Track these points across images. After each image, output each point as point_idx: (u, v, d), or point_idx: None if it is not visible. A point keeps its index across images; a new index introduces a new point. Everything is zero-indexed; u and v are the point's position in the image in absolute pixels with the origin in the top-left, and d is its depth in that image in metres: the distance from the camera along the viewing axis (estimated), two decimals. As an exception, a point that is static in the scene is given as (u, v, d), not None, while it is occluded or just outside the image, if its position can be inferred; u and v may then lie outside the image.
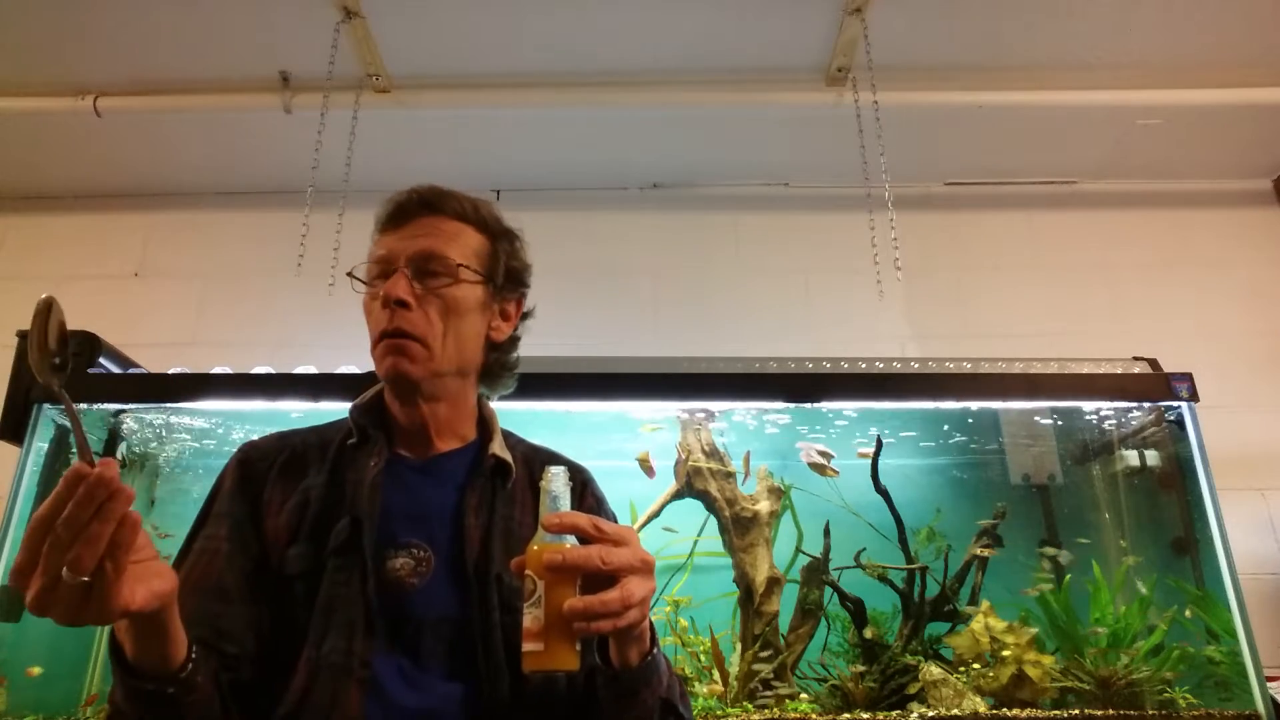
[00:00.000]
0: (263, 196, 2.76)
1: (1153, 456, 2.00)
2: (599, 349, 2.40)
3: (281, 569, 0.88)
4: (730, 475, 1.99)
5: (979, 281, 2.67)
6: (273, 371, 1.92)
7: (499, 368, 1.05)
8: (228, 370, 1.92)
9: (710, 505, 1.97)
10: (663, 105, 2.39)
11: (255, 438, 1.00)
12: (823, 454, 2.00)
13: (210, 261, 2.70)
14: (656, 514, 1.98)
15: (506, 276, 1.03)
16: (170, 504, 2.11)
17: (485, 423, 1.03)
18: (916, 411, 2.01)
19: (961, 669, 1.73)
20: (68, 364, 0.68)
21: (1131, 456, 2.02)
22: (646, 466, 2.01)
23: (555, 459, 1.05)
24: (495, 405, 1.08)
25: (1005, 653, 1.70)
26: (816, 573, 1.90)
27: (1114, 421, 2.07)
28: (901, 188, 2.53)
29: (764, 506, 1.95)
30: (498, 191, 2.77)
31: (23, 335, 1.86)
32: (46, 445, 1.86)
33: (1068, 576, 1.89)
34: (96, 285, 2.66)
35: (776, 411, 2.00)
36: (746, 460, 2.01)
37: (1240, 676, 1.66)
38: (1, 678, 1.78)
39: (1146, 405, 1.95)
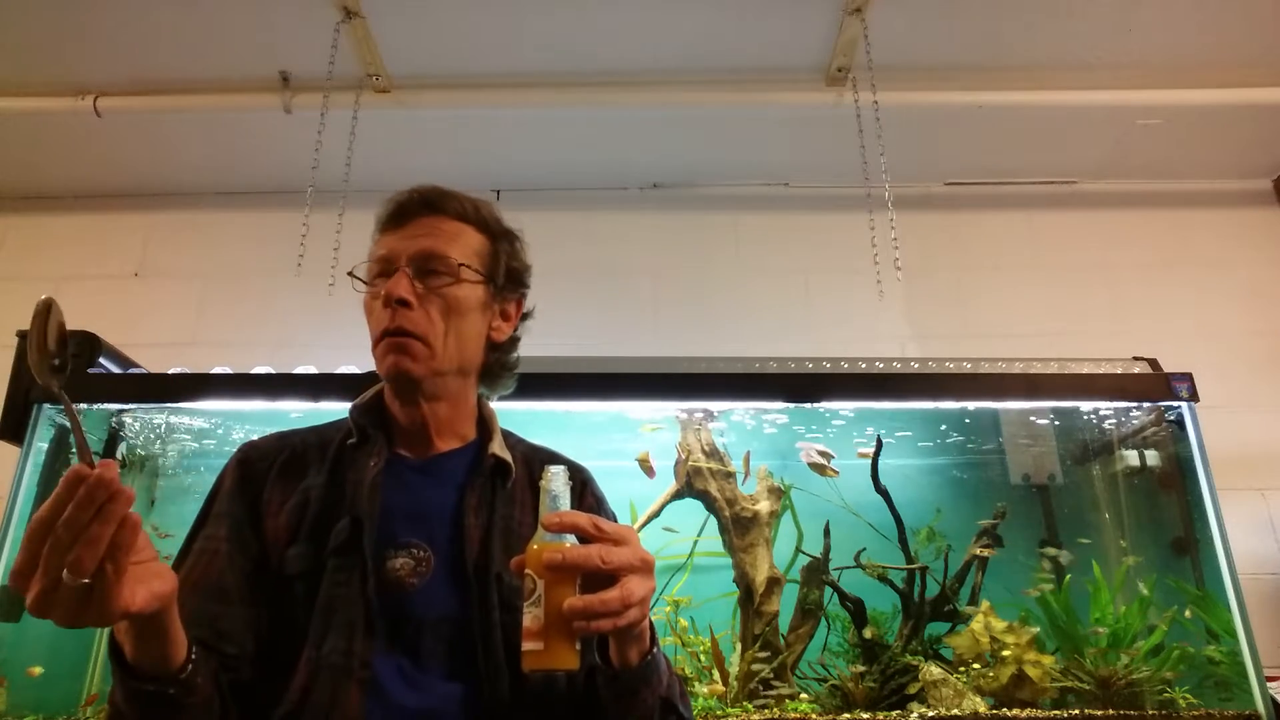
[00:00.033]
0: (263, 196, 2.76)
1: (1153, 456, 2.00)
2: (599, 349, 2.40)
3: (281, 569, 0.88)
4: (730, 475, 1.99)
5: (979, 281, 2.67)
6: (273, 371, 1.92)
7: (499, 368, 1.05)
8: (228, 370, 1.92)
9: (710, 505, 1.97)
10: (663, 105, 2.39)
11: (255, 438, 1.00)
12: (823, 454, 2.00)
13: (210, 261, 2.70)
14: (656, 514, 1.98)
15: (507, 277, 1.03)
16: (170, 504, 2.11)
17: (485, 422, 1.03)
18: (916, 411, 2.01)
19: (961, 669, 1.73)
20: (67, 365, 0.68)
21: (1131, 456, 2.02)
22: (646, 466, 2.01)
23: (555, 458, 1.05)
24: (495, 405, 1.08)
25: (1005, 653, 1.70)
26: (816, 573, 1.90)
27: (1114, 421, 2.07)
28: (901, 188, 2.53)
29: (764, 506, 1.95)
30: (498, 191, 2.77)
31: (23, 335, 1.86)
32: (46, 445, 1.86)
33: (1068, 576, 1.89)
34: (96, 285, 2.66)
35: (776, 411, 2.00)
36: (746, 460, 2.01)
37: (1240, 676, 1.66)
38: (1, 678, 1.78)
39: (1146, 405, 1.95)
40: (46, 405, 1.81)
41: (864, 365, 1.95)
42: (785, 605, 1.88)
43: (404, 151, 2.61)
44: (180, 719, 0.74)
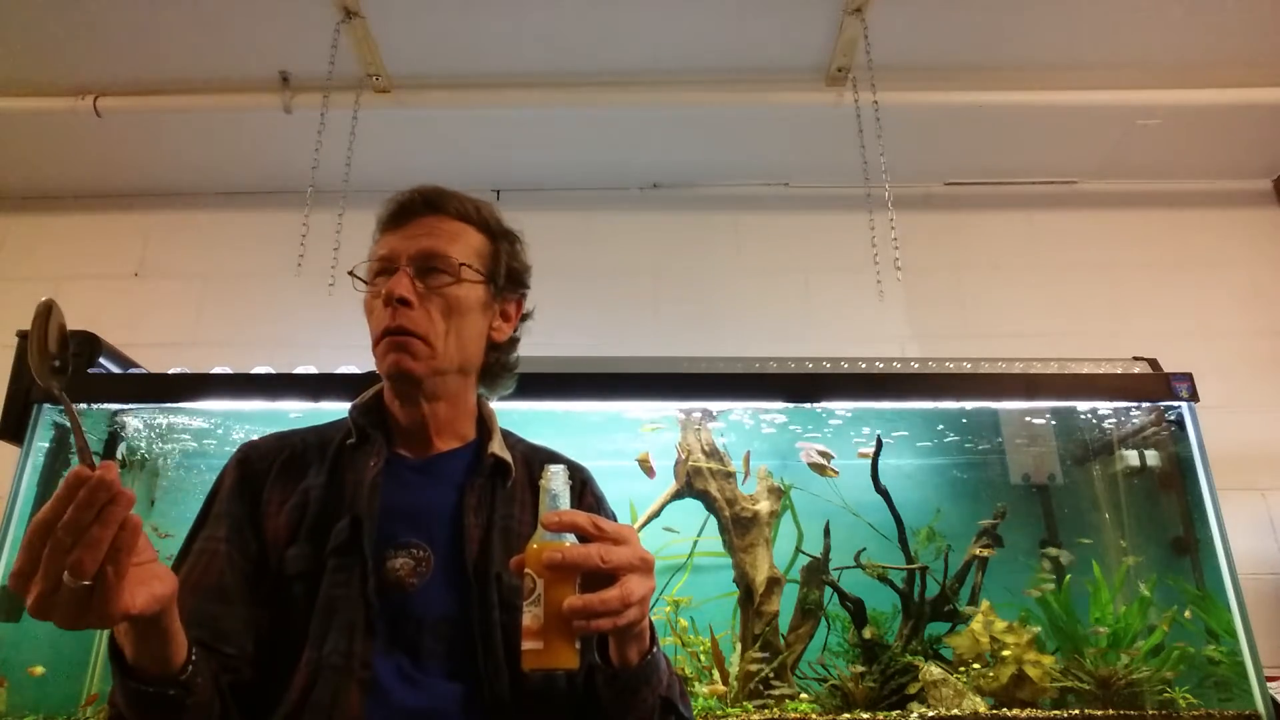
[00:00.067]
0: (263, 196, 2.76)
1: (1153, 456, 2.00)
2: (599, 349, 2.40)
3: (281, 569, 0.88)
4: (730, 475, 1.99)
5: (979, 281, 2.67)
6: (273, 371, 1.92)
7: (499, 368, 1.05)
8: (228, 370, 1.92)
9: (710, 505, 1.97)
10: (663, 105, 2.39)
11: (255, 438, 1.00)
12: (823, 454, 2.00)
13: (210, 261, 2.70)
14: (656, 514, 1.98)
15: (507, 277, 1.03)
16: (170, 504, 2.11)
17: (485, 422, 1.04)
18: (916, 411, 2.01)
19: (961, 669, 1.73)
20: (68, 367, 0.68)
21: (1131, 456, 2.02)
22: (646, 467, 2.01)
23: (555, 458, 1.05)
24: (495, 405, 1.08)
25: (1005, 653, 1.70)
26: (816, 573, 1.90)
27: (1114, 421, 2.07)
28: (901, 188, 2.53)
29: (764, 506, 1.95)
30: (498, 191, 2.77)
31: (23, 335, 1.86)
32: (46, 445, 1.86)
33: (1068, 576, 1.89)
34: (96, 285, 2.66)
35: (776, 411, 2.00)
36: (746, 460, 2.01)
37: (1240, 676, 1.66)
38: (2, 678, 1.78)
39: (1146, 405, 1.95)
40: (46, 405, 1.81)
41: (864, 365, 1.95)
42: (785, 605, 1.88)
43: (404, 151, 2.61)
44: None
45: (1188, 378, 1.85)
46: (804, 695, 1.76)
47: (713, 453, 2.00)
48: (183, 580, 0.84)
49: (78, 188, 2.77)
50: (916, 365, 1.97)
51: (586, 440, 2.08)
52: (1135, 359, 2.00)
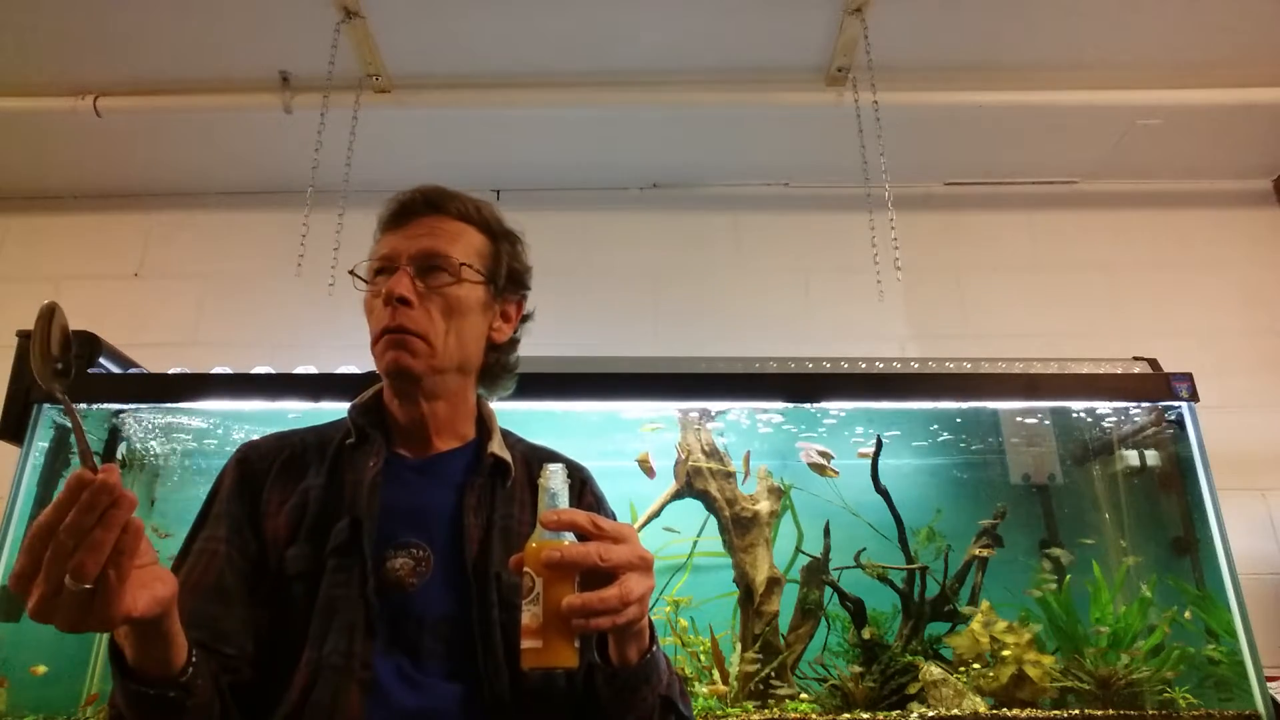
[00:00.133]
0: (263, 196, 2.76)
1: (1153, 456, 2.00)
2: (599, 349, 2.40)
3: (281, 570, 0.88)
4: (730, 475, 1.99)
5: (979, 281, 2.67)
6: (273, 371, 1.92)
7: (499, 369, 1.05)
8: (228, 370, 1.92)
9: (710, 505, 1.97)
10: (663, 105, 2.39)
11: (255, 438, 1.00)
12: (823, 454, 2.00)
13: (210, 261, 2.70)
14: (656, 514, 1.98)
15: (508, 278, 1.03)
16: (170, 504, 2.11)
17: (484, 422, 1.04)
18: (916, 411, 2.01)
19: (961, 669, 1.73)
20: (70, 369, 0.68)
21: (1131, 456, 2.02)
22: (646, 467, 2.01)
23: (554, 457, 1.05)
24: (495, 405, 1.08)
25: (1005, 653, 1.70)
26: (816, 573, 1.90)
27: (1114, 421, 2.07)
28: (901, 188, 2.53)
29: (764, 506, 1.95)
30: (498, 191, 2.77)
31: (23, 335, 1.86)
32: (46, 445, 1.86)
33: (1068, 576, 1.89)
34: (96, 285, 2.66)
35: (776, 411, 2.00)
36: (746, 460, 2.01)
37: (1240, 676, 1.66)
38: (2, 679, 1.78)
39: (1146, 405, 1.95)
40: (47, 405, 1.81)
41: (864, 365, 1.95)
42: (785, 605, 1.88)
43: (404, 151, 2.61)
44: (181, 720, 0.74)
45: (1188, 378, 1.85)
46: (804, 695, 1.77)
47: (712, 453, 2.00)
48: (182, 581, 0.84)
49: (78, 188, 2.77)
50: (916, 365, 1.97)
51: (586, 440, 2.08)
52: (1135, 359, 2.00)
